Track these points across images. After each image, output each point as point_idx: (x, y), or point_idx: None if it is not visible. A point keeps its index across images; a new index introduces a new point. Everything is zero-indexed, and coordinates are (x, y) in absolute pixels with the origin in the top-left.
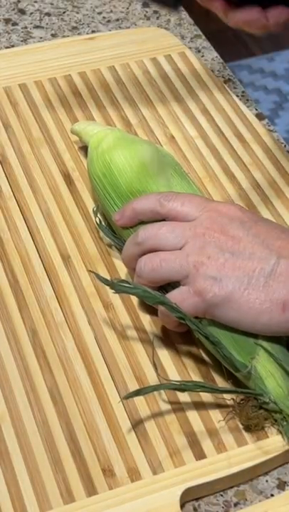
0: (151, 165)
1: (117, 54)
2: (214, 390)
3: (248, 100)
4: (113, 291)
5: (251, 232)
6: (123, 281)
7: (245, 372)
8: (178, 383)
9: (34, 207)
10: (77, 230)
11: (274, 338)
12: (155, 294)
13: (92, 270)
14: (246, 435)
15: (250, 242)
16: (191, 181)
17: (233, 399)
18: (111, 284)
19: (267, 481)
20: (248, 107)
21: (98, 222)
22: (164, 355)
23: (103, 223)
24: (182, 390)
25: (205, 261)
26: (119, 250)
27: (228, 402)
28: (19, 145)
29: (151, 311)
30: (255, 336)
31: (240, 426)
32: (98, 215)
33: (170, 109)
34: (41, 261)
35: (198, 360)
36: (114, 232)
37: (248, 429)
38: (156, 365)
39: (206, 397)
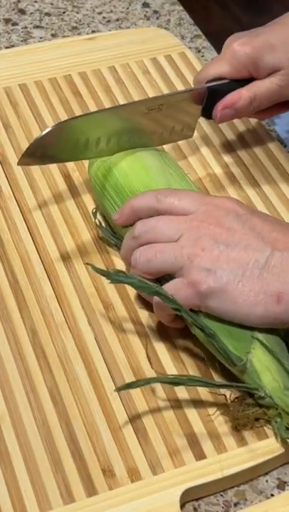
0: (152, 166)
1: (117, 54)
2: (208, 384)
3: None
4: (109, 281)
5: (247, 225)
6: (119, 271)
7: (240, 366)
8: (172, 377)
9: (34, 207)
10: (77, 230)
11: (270, 332)
12: (151, 284)
13: (89, 263)
14: (246, 436)
15: (246, 234)
16: (191, 182)
17: (225, 397)
18: (107, 274)
19: (267, 481)
20: None
21: (98, 223)
22: (164, 354)
23: (103, 224)
24: (176, 384)
25: (199, 253)
26: (120, 250)
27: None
28: (19, 145)
29: (152, 310)
30: (251, 329)
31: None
32: (98, 216)
33: None
34: (41, 261)
35: (197, 358)
36: (114, 232)
37: (235, 429)
38: (155, 363)
39: (207, 396)
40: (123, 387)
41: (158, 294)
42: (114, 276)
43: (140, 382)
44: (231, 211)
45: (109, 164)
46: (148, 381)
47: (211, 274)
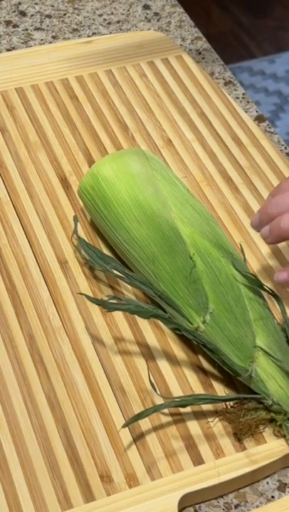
0: (138, 175)
1: (113, 57)
2: (216, 399)
3: (248, 102)
4: (106, 310)
5: None
6: (114, 297)
7: (246, 377)
8: (179, 399)
9: (31, 211)
10: None
11: (272, 339)
12: (148, 307)
13: (82, 292)
14: (245, 440)
15: None
16: (180, 185)
17: (225, 404)
18: (102, 304)
19: (267, 482)
20: (248, 109)
21: (76, 236)
22: (162, 361)
23: (82, 237)
24: (184, 406)
25: None
26: (93, 264)
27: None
28: (16, 149)
29: None
30: (252, 338)
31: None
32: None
33: (167, 113)
34: (38, 266)
35: (195, 365)
36: (93, 246)
37: (235, 436)
38: (153, 371)
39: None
40: (131, 422)
41: (156, 317)
42: (110, 305)
43: (148, 412)
44: None
45: (96, 175)
46: (156, 409)
47: None
